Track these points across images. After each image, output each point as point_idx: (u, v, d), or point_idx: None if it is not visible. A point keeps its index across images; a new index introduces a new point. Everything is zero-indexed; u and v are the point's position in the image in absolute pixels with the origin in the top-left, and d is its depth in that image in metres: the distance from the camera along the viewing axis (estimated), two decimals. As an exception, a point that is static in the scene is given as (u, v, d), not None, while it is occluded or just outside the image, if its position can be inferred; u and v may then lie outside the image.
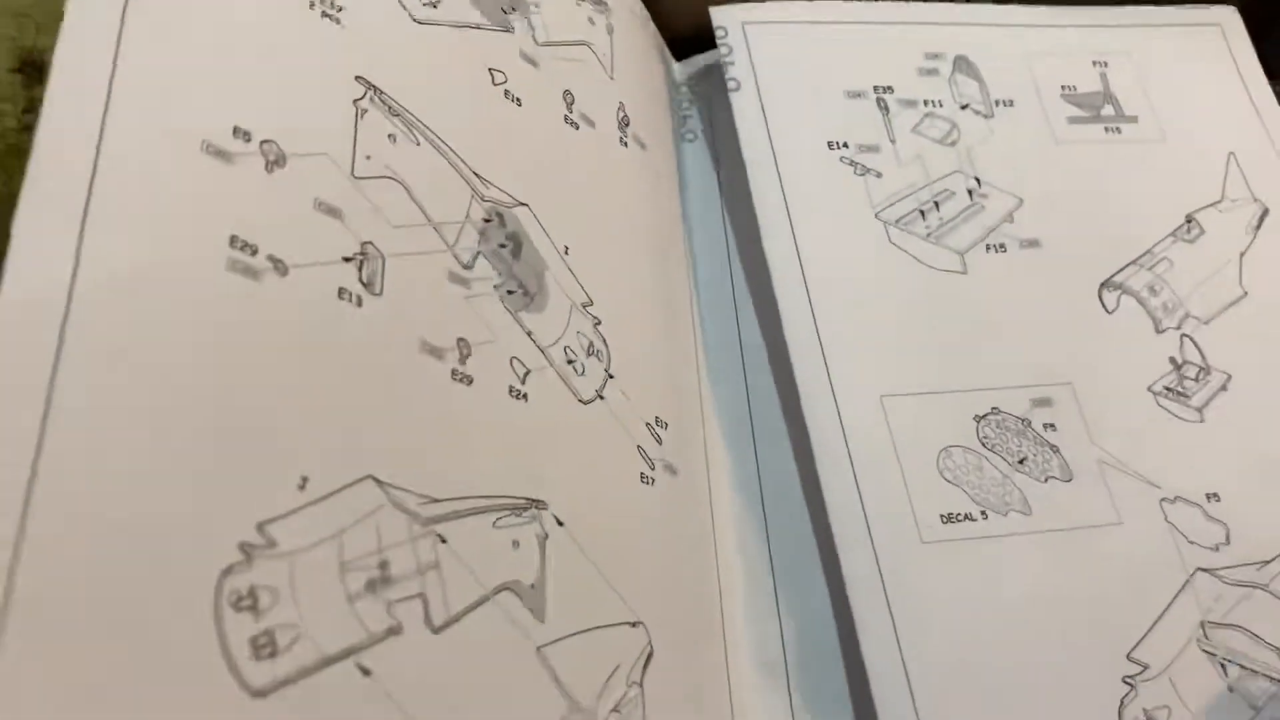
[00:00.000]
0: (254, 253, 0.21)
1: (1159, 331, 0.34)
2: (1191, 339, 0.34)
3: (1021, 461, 0.31)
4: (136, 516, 0.18)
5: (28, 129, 0.28)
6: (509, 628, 0.23)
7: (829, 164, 0.35)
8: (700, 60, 0.38)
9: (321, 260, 0.23)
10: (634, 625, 0.25)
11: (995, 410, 0.32)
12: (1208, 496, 0.31)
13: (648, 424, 0.28)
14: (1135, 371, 0.33)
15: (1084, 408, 0.32)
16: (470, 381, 0.24)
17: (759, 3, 0.37)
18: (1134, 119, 0.37)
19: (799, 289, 0.32)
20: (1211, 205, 0.36)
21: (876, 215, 0.34)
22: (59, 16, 0.28)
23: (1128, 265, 0.35)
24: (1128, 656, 0.29)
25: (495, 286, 0.26)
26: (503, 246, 0.26)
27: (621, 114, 0.32)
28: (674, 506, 0.29)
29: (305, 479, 0.21)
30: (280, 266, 0.22)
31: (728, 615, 0.29)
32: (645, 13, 0.36)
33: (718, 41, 0.36)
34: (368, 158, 0.24)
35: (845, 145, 0.35)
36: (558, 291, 0.27)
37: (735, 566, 0.31)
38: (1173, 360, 0.33)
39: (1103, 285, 0.34)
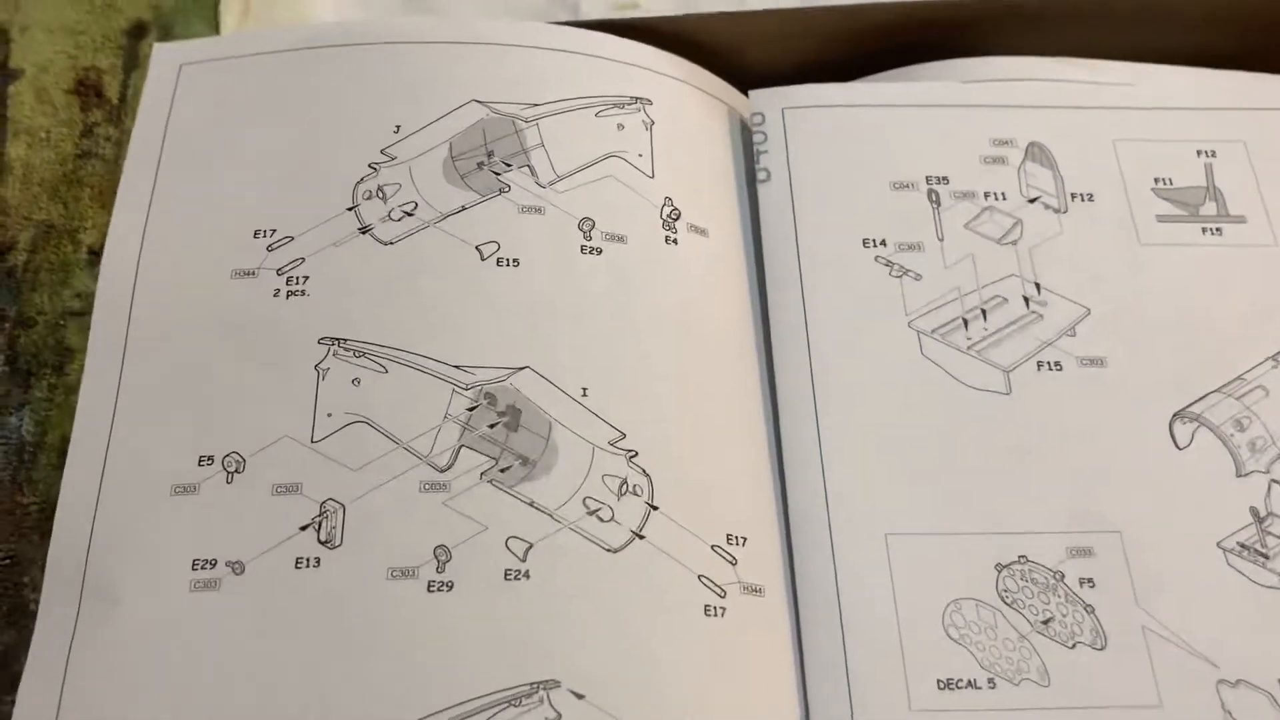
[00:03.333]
0: (211, 566, 0.25)
1: (1240, 475, 0.29)
2: (1283, 486, 0.29)
3: (1046, 622, 0.27)
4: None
5: (84, 155, 0.30)
6: None
7: (861, 264, 0.32)
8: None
9: (276, 542, 0.25)
10: None
11: (1022, 559, 0.28)
12: (1280, 682, 0.27)
13: (715, 546, 0.27)
14: (1204, 523, 0.28)
15: (1132, 563, 0.28)
16: (450, 587, 0.25)
17: (806, 85, 0.34)
18: (1241, 219, 0.32)
19: (805, 402, 0.29)
20: (1329, 321, 0.30)
21: (910, 323, 0.31)
22: (113, 36, 0.30)
23: (1211, 393, 0.30)
24: None
25: (483, 474, 0.26)
26: (494, 425, 0.27)
27: (668, 210, 0.31)
28: (756, 633, 0.26)
29: None
30: (237, 567, 0.25)
31: None
32: (702, 75, 0.34)
33: (752, 129, 0.34)
34: (329, 415, 0.26)
35: (883, 243, 0.32)
36: (572, 442, 0.27)
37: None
38: (1254, 511, 0.28)
39: (1175, 416, 0.30)
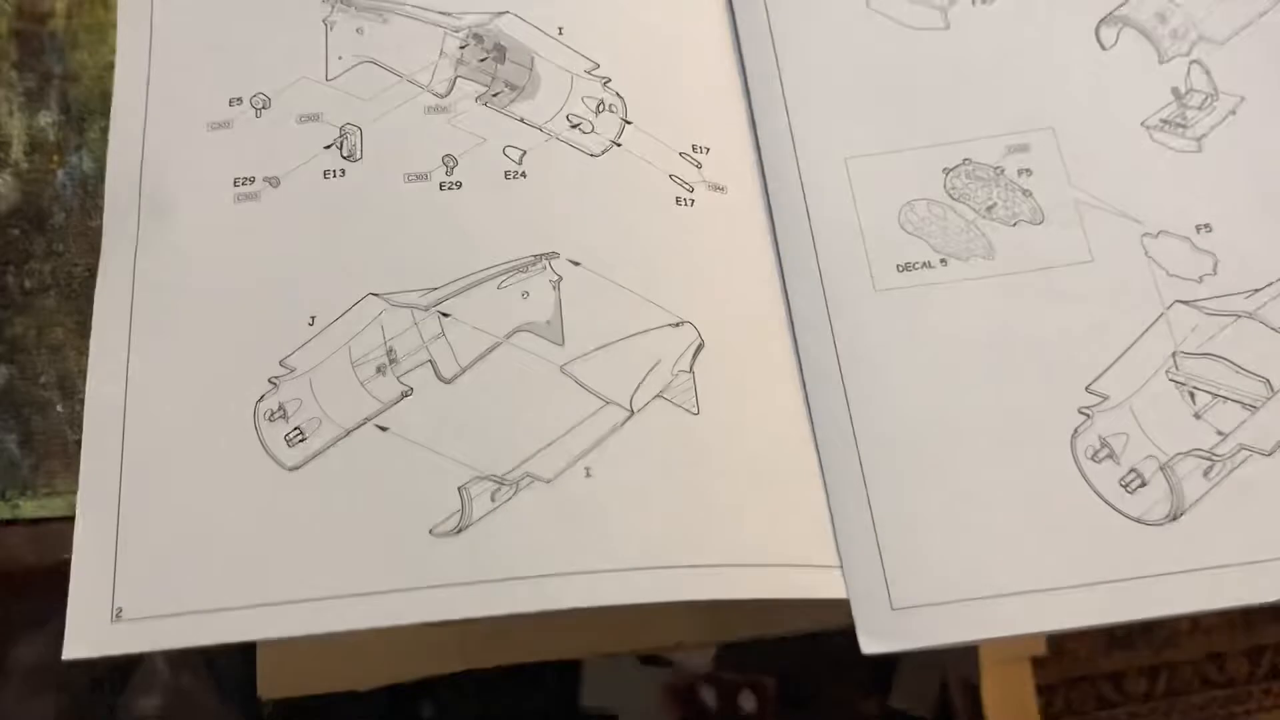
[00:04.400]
0: (250, 182, 0.30)
1: (1163, 62, 0.32)
2: (1202, 64, 0.32)
3: (990, 208, 0.31)
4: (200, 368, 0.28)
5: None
6: (528, 359, 0.28)
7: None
8: None
9: (304, 160, 0.30)
10: (678, 325, 0.29)
11: (967, 161, 0.32)
12: (1197, 228, 0.30)
13: (682, 153, 0.31)
14: (1129, 107, 0.32)
15: (1065, 151, 0.31)
16: (459, 185, 0.30)
17: None
18: None
19: (768, 56, 0.33)
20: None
21: (857, -17, 0.34)
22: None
23: (1135, -5, 0.33)
24: (1086, 389, 0.29)
25: (478, 98, 0.31)
26: (484, 60, 0.31)
27: None
28: (722, 217, 0.31)
29: (313, 317, 0.28)
30: (273, 181, 0.30)
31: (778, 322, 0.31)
32: None
33: None
34: (339, 58, 0.31)
35: (825, -89, 0.35)
36: (552, 71, 0.32)
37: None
38: (1175, 90, 0.31)
39: (1101, 21, 0.32)
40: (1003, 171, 0.32)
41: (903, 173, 0.32)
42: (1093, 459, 0.29)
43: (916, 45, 0.33)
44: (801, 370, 0.30)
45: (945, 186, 0.32)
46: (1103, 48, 0.32)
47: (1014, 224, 0.31)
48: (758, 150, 0.32)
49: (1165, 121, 0.31)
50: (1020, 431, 0.29)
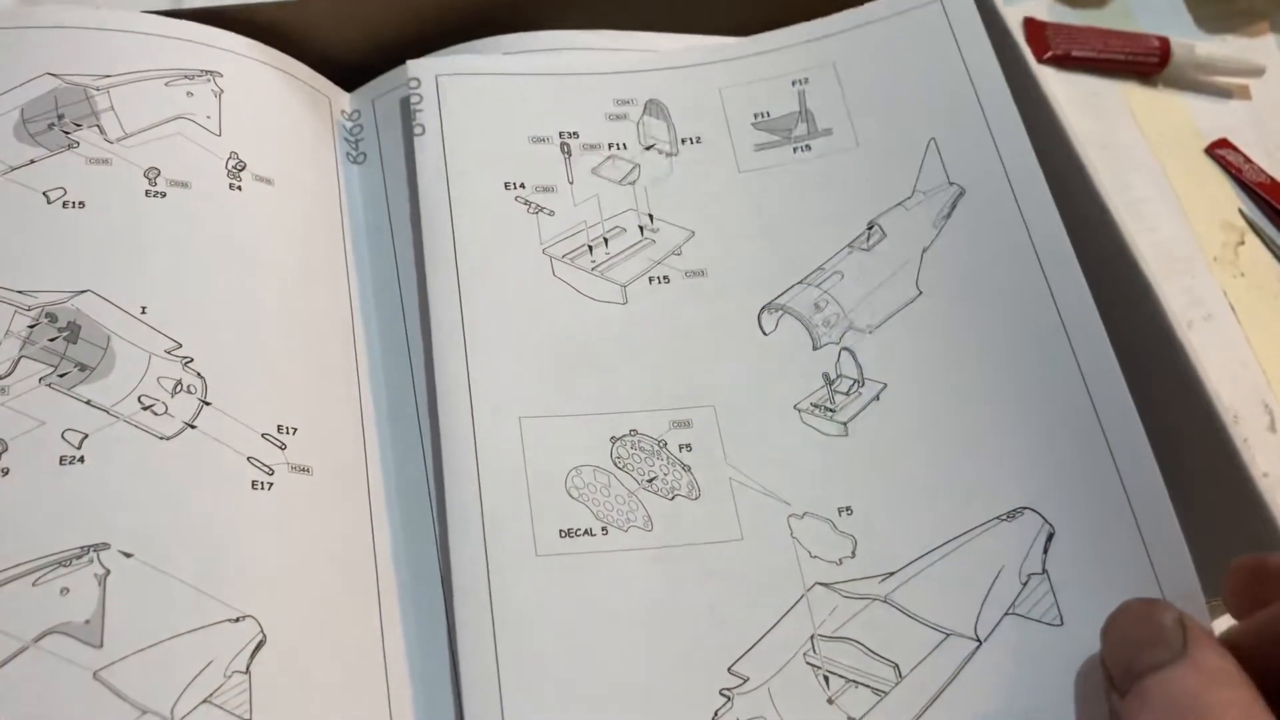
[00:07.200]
0: None
1: (816, 348, 0.34)
2: (851, 351, 0.34)
3: (651, 480, 0.32)
4: None
5: None
6: (58, 665, 0.26)
7: (503, 203, 0.36)
8: (376, 87, 0.40)
9: None
10: (237, 620, 0.28)
11: (633, 432, 0.33)
12: (840, 510, 0.32)
13: (265, 434, 0.31)
14: (783, 391, 0.34)
15: (724, 429, 0.33)
16: (6, 473, 0.29)
17: (457, 55, 0.39)
18: (828, 132, 0.38)
19: (454, 316, 0.34)
20: (899, 204, 0.36)
21: (544, 250, 0.36)
22: None
23: (795, 285, 0.35)
24: (729, 670, 0.30)
25: (41, 378, 0.30)
26: (54, 339, 0.31)
27: (233, 162, 0.35)
28: (305, 503, 0.31)
29: None
30: None
31: (386, 607, 0.31)
32: (285, 60, 0.39)
33: (410, 91, 0.38)
34: None
35: (522, 186, 0.37)
36: (129, 351, 0.31)
37: (401, 559, 0.32)
38: (825, 376, 0.34)
39: (763, 309, 0.35)
40: (665, 445, 0.33)
41: (574, 437, 0.33)
42: (731, 742, 0.29)
43: (595, 316, 0.35)
44: (453, 632, 0.30)
45: (612, 455, 0.33)
46: (764, 333, 0.35)
47: (672, 498, 0.32)
48: (377, 424, 0.33)
49: (815, 405, 0.33)
50: (664, 710, 0.29)
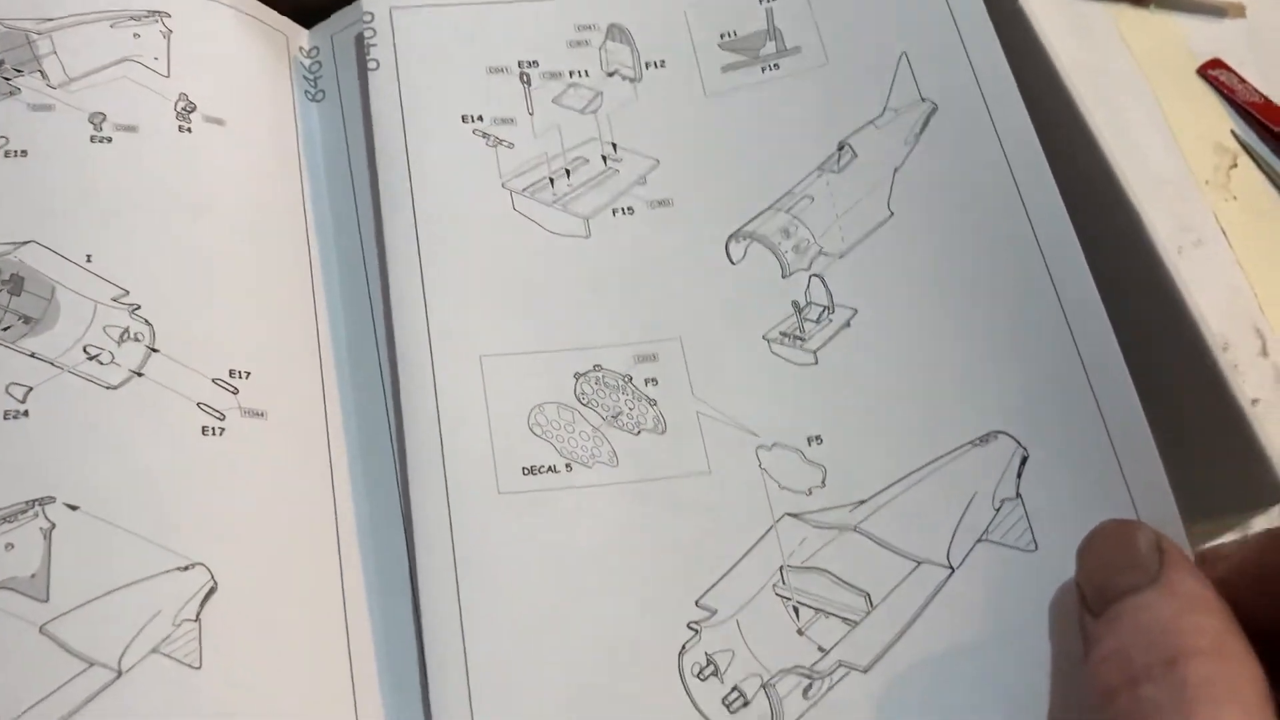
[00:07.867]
0: None
1: (785, 276, 0.33)
2: (820, 278, 0.33)
3: (616, 416, 0.31)
4: None
5: None
6: (4, 620, 0.26)
7: (460, 137, 0.35)
8: (335, 22, 0.39)
9: None
10: (186, 569, 0.27)
11: (597, 367, 0.32)
12: (809, 440, 0.31)
13: (216, 379, 0.30)
14: (751, 321, 0.33)
15: (690, 362, 0.32)
16: None
17: (410, -13, 0.38)
18: (796, 50, 0.36)
19: (410, 255, 0.33)
20: (870, 123, 0.35)
21: (503, 184, 0.35)
22: None
23: (764, 211, 0.34)
24: (696, 603, 0.29)
25: None
26: None
27: (182, 104, 0.34)
28: (258, 447, 0.30)
29: None
30: None
31: (345, 550, 0.30)
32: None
33: (363, 25, 0.37)
34: None
35: (480, 119, 0.35)
36: (74, 301, 0.30)
37: (361, 502, 0.31)
38: (795, 304, 0.33)
39: (730, 237, 0.34)
40: (631, 379, 0.32)
41: (536, 374, 0.32)
42: (698, 676, 0.28)
43: (557, 250, 0.34)
44: (414, 574, 0.29)
45: (575, 391, 0.32)
46: (731, 262, 0.34)
47: (638, 433, 0.31)
48: (336, 367, 0.32)
49: (784, 334, 0.32)
50: (630, 646, 0.28)
